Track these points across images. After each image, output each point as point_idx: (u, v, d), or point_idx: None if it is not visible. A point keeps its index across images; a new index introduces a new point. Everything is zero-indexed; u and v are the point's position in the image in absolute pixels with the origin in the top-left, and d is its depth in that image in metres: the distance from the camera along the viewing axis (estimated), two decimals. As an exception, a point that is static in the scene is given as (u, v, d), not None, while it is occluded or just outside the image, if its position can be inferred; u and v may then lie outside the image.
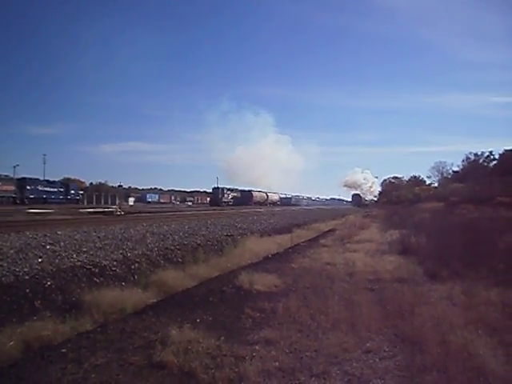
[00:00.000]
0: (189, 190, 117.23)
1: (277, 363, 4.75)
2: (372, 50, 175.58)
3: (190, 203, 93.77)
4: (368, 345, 5.39)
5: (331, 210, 74.70)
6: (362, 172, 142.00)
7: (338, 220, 39.37)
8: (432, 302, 7.45)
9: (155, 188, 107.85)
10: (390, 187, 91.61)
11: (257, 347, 5.26)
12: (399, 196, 71.54)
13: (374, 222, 31.99)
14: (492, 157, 52.61)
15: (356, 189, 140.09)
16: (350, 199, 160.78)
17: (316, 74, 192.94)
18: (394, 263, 11.52)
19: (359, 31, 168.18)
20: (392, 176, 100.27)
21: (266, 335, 5.67)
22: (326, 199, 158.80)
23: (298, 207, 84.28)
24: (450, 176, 63.25)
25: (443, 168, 67.75)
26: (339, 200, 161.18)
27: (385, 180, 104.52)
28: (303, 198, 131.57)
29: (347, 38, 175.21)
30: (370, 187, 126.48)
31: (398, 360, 4.91)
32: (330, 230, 26.30)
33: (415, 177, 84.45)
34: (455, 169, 62.69)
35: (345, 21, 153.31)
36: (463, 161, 59.00)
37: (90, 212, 31.15)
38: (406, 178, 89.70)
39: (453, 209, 32.01)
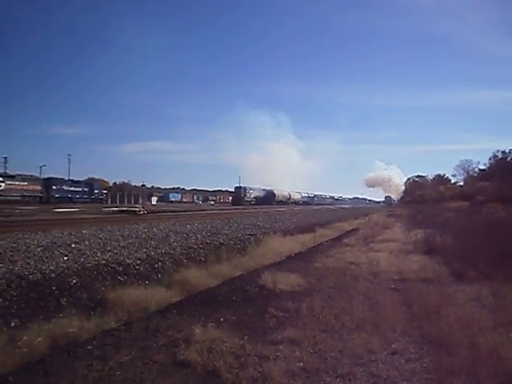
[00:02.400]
0: (211, 190, 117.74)
1: (301, 363, 4.71)
2: (395, 47, 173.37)
3: (212, 202, 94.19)
4: (394, 346, 5.30)
5: (354, 209, 74.07)
6: (387, 168, 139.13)
7: (361, 219, 39.05)
8: (459, 303, 7.30)
9: (178, 187, 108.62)
10: (414, 186, 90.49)
11: (281, 347, 5.22)
12: (423, 195, 70.63)
13: (398, 222, 31.66)
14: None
15: (379, 187, 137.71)
16: (372, 198, 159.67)
17: (337, 71, 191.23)
18: (419, 263, 11.34)
19: (381, 28, 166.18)
20: (416, 175, 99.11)
21: (290, 335, 5.63)
22: (349, 198, 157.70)
23: (321, 206, 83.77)
24: (476, 174, 62.08)
25: (469, 166, 66.63)
26: (362, 199, 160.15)
27: (408, 179, 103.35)
28: (326, 197, 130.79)
29: (369, 36, 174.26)
30: (396, 185, 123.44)
31: (424, 362, 4.80)
32: (353, 230, 26.11)
33: (440, 175, 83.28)
34: (482, 167, 61.50)
35: (366, 18, 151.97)
36: (490, 159, 57.81)
37: (113, 211, 31.50)
38: (431, 177, 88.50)
39: (479, 208, 31.39)
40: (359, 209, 75.47)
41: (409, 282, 9.09)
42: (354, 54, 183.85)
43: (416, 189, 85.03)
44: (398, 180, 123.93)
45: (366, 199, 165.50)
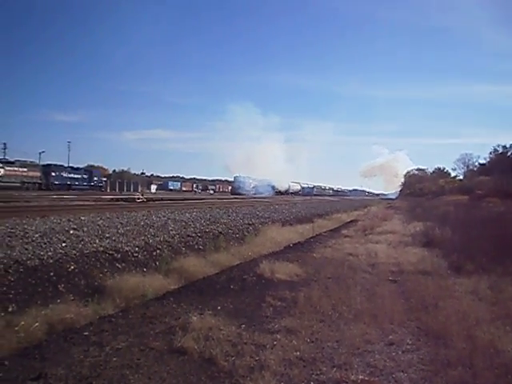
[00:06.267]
0: (210, 179, 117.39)
1: (298, 353, 4.70)
2: (397, 37, 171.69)
3: (211, 191, 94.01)
4: (391, 337, 5.30)
5: (353, 200, 74.15)
6: (390, 154, 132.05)
7: (360, 211, 39.15)
8: (457, 295, 7.30)
9: (177, 176, 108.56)
10: (414, 179, 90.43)
11: (278, 336, 5.22)
12: (423, 188, 70.70)
13: (397, 214, 31.68)
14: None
15: (380, 176, 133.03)
16: (371, 190, 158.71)
17: (336, 62, 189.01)
18: (418, 255, 11.34)
19: (382, 18, 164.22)
20: (415, 168, 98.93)
21: (287, 324, 5.63)
22: (349, 190, 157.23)
23: (320, 197, 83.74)
24: (476, 169, 62.06)
25: (469, 160, 66.61)
26: (361, 191, 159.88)
27: (408, 172, 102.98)
28: (325, 189, 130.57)
29: (370, 26, 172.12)
30: (396, 174, 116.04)
31: (421, 354, 4.80)
32: (351, 221, 26.14)
33: (440, 169, 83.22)
34: (482, 161, 61.46)
35: (366, 7, 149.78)
36: (490, 153, 57.85)
37: (112, 198, 31.44)
38: (430, 170, 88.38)
39: (478, 202, 31.40)
40: (358, 200, 75.52)
41: (407, 273, 9.10)
42: (353, 44, 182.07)
43: (415, 182, 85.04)
44: (404, 168, 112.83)
45: (365, 191, 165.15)
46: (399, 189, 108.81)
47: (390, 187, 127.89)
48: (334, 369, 4.33)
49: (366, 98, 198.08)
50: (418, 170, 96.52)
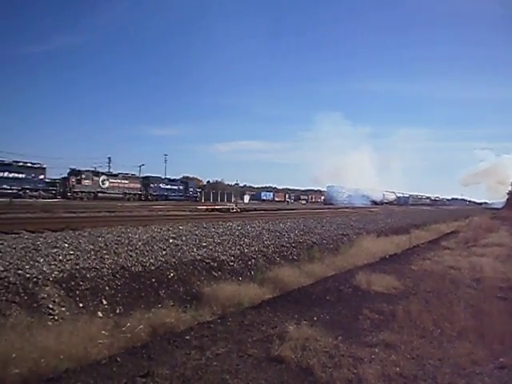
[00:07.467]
0: (303, 189, 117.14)
1: (397, 368, 4.54)
2: (497, 31, 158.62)
3: (303, 202, 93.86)
4: (501, 359, 4.89)
5: (453, 210, 70.14)
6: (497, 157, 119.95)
7: (461, 221, 36.78)
8: None
9: (269, 186, 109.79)
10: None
11: (376, 350, 5.08)
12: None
13: (504, 225, 29.33)
14: None
15: (484, 183, 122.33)
16: (473, 199, 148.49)
17: (426, 62, 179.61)
18: (530, 271, 10.42)
19: (477, 12, 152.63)
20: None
21: (386, 338, 5.46)
22: (447, 199, 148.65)
23: (416, 207, 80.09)
24: None
25: None
26: (461, 200, 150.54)
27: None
28: (421, 198, 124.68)
29: (461, 21, 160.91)
30: (503, 181, 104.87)
31: (539, 380, 4.40)
32: (452, 232, 24.70)
33: (555, 174, 75.60)
34: None
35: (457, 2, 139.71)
36: None
37: (207, 209, 32.58)
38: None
39: None
40: (458, 210, 71.27)
41: (518, 290, 8.40)
42: (444, 42, 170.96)
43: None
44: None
45: (465, 200, 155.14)
46: (506, 197, 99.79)
47: (495, 195, 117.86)
48: (438, 388, 4.12)
49: (465, 101, 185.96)
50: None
